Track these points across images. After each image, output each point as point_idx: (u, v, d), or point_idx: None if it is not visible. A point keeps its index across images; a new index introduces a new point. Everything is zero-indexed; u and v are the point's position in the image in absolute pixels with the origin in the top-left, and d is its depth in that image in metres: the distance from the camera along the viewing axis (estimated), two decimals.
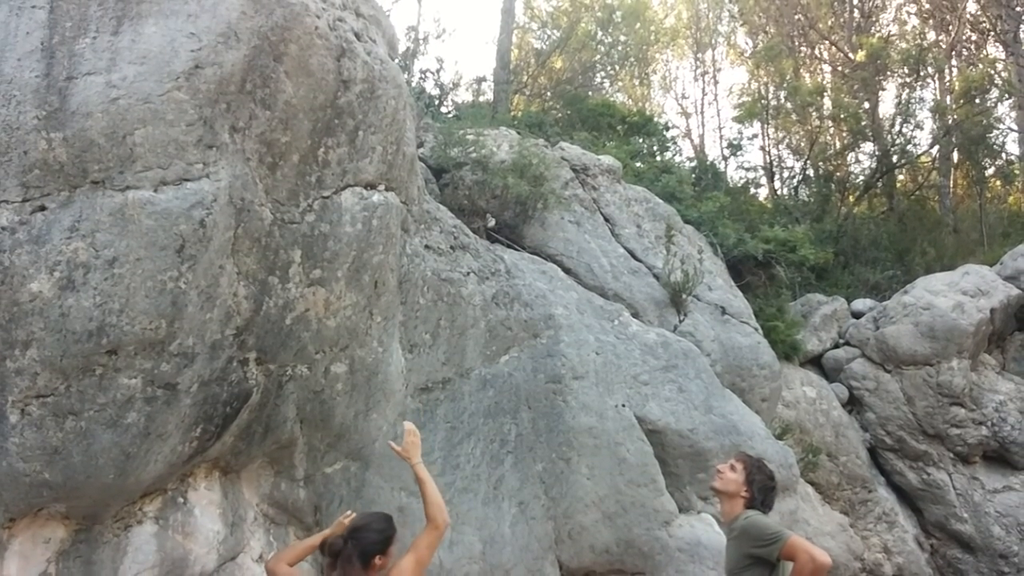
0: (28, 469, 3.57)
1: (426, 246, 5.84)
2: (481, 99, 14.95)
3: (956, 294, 10.80)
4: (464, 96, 14.76)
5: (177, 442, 4.04)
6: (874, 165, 16.70)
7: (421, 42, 14.97)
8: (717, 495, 4.00)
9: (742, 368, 8.28)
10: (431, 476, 3.64)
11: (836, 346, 11.51)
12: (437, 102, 12.82)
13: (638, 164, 12.53)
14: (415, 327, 5.59)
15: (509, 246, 7.56)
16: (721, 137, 20.47)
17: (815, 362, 11.45)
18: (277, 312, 4.38)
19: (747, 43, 21.85)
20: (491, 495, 5.70)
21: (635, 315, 7.72)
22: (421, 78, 13.52)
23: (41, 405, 3.58)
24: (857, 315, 11.77)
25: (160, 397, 3.84)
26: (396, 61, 6.56)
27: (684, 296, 8.30)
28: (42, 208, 3.65)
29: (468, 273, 6.17)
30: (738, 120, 17.73)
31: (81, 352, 3.60)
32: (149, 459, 3.90)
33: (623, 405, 6.56)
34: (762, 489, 3.82)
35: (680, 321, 8.19)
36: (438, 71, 13.75)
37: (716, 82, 22.62)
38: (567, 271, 7.74)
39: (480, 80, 15.51)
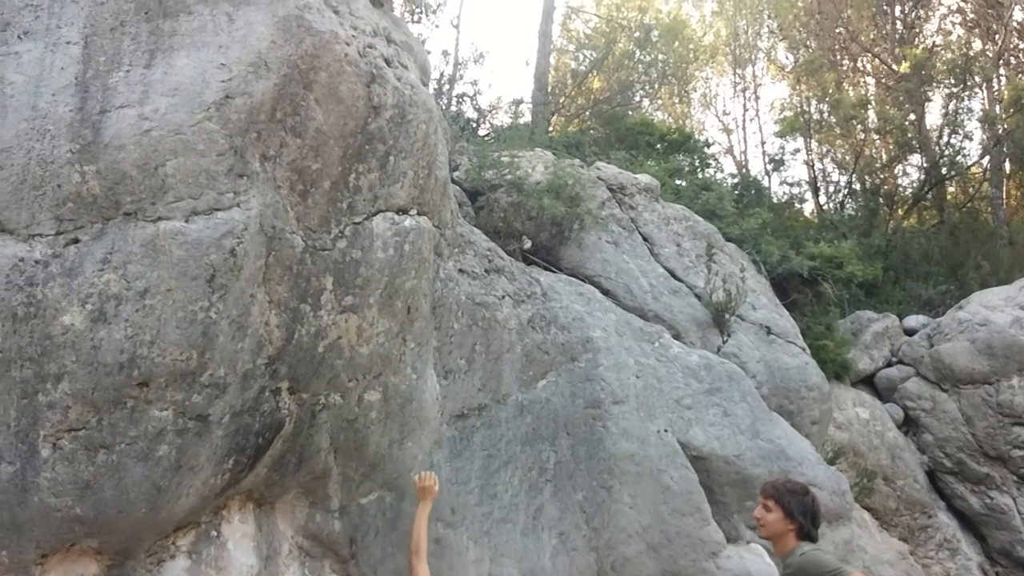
0: (60, 504, 3.55)
1: (460, 270, 5.77)
2: (520, 121, 14.95)
3: (1014, 309, 10.41)
4: (503, 119, 14.80)
5: (209, 474, 4.00)
6: (923, 177, 16.30)
7: (459, 66, 15.09)
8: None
9: (790, 390, 8.02)
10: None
11: (889, 365, 11.16)
12: (475, 125, 12.84)
13: (678, 182, 12.36)
14: (449, 353, 5.51)
15: (546, 268, 7.46)
16: (764, 153, 20.15)
17: (867, 381, 11.11)
18: (309, 340, 4.33)
19: (787, 58, 21.58)
20: (530, 525, 5.55)
21: (676, 336, 7.54)
22: (459, 102, 13.59)
23: (73, 439, 3.56)
24: (910, 332, 11.42)
25: (191, 429, 3.80)
26: (430, 86, 6.56)
27: (727, 316, 8.09)
28: (75, 241, 3.65)
29: (503, 297, 6.07)
30: (780, 135, 17.49)
31: (112, 385, 3.58)
32: (181, 492, 3.86)
33: (665, 430, 6.37)
34: (804, 512, 3.62)
35: (723, 342, 7.98)
36: (475, 95, 13.78)
37: (757, 97, 22.38)
38: (605, 292, 7.59)
39: (518, 102, 15.52)
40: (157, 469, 3.71)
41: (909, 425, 10.69)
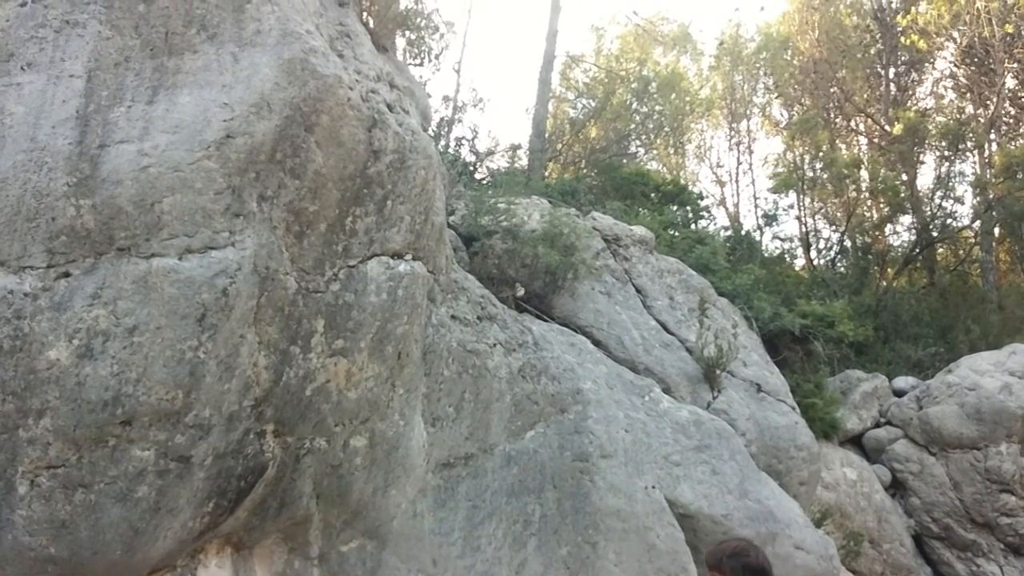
0: (34, 543, 3.46)
1: (452, 316, 5.74)
2: (516, 166, 15.03)
3: (1003, 374, 10.42)
4: (500, 163, 14.87)
5: (188, 517, 3.91)
6: (913, 238, 16.48)
7: (459, 110, 15.21)
8: None
9: (779, 449, 7.96)
10: None
11: (877, 425, 11.12)
12: (472, 169, 12.91)
13: (672, 233, 12.42)
14: (438, 400, 5.45)
15: (538, 316, 7.43)
16: (756, 206, 20.35)
17: (855, 441, 11.06)
18: (297, 383, 4.28)
19: (782, 114, 21.93)
20: None
21: (667, 391, 7.49)
22: (457, 145, 13.67)
23: (51, 476, 3.48)
24: (899, 393, 11.40)
25: (173, 470, 3.73)
26: (430, 131, 6.59)
27: (718, 372, 8.06)
28: (66, 275, 3.61)
29: (495, 345, 6.03)
30: (774, 191, 17.67)
31: (95, 422, 3.52)
32: (158, 535, 3.77)
33: (653, 487, 6.29)
34: (745, 571, 3.40)
35: (714, 398, 7.94)
36: (473, 139, 13.87)
37: (751, 151, 22.56)
38: (597, 343, 7.56)
39: (515, 148, 15.61)
40: (135, 510, 3.63)
41: (896, 487, 10.61)
